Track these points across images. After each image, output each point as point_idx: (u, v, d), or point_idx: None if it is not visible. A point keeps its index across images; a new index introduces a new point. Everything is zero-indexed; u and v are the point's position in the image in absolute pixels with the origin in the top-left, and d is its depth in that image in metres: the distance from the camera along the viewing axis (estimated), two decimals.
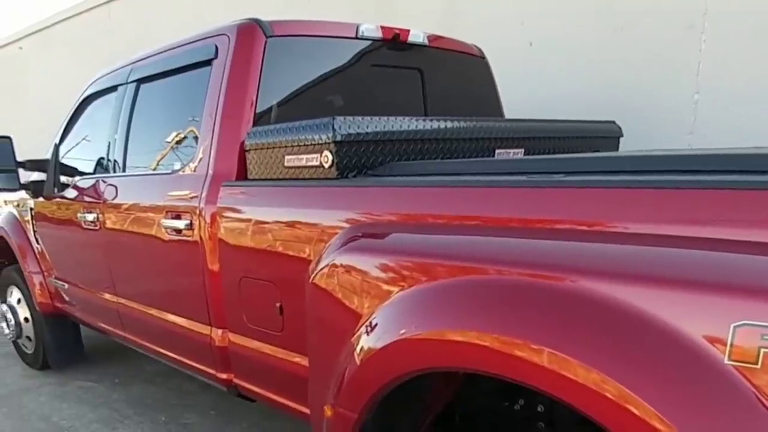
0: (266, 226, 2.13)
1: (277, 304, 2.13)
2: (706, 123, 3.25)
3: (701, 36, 3.24)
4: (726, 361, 1.01)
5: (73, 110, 3.69)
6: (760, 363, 0.97)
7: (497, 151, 2.40)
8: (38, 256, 4.03)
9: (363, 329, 1.60)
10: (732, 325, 0.99)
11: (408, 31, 2.84)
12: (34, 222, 3.97)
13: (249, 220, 2.21)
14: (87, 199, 3.26)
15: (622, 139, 3.07)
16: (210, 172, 2.40)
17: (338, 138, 1.94)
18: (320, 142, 1.99)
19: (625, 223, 1.27)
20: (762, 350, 0.97)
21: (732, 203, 1.15)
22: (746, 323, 0.98)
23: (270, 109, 2.44)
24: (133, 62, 3.11)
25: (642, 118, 3.38)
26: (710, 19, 3.20)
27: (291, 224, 2.03)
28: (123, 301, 3.12)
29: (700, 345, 1.03)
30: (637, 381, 1.08)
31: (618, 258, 1.22)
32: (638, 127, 3.26)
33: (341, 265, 1.69)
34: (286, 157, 2.14)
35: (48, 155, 3.55)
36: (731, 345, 1.00)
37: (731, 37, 3.14)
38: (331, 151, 1.97)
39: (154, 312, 2.87)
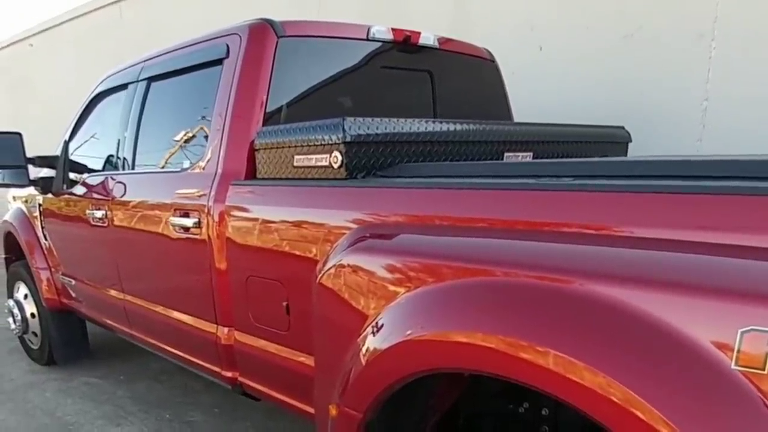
0: (274, 225, 2.13)
1: (284, 303, 2.14)
2: (714, 130, 3.24)
3: (711, 43, 3.24)
4: (733, 367, 1.01)
5: (84, 107, 3.71)
6: (767, 369, 0.97)
7: (506, 154, 2.41)
8: (46, 252, 4.05)
9: (369, 329, 1.60)
10: (739, 331, 1.00)
11: (419, 33, 2.85)
12: (42, 218, 3.99)
13: (257, 219, 2.22)
14: (95, 196, 3.27)
15: (630, 145, 3.07)
16: (219, 170, 2.41)
17: (348, 138, 1.95)
18: (330, 142, 2.00)
19: (633, 228, 1.27)
20: None
21: (739, 209, 1.16)
22: (753, 329, 0.98)
23: (280, 108, 2.45)
24: (144, 60, 3.13)
25: (651, 124, 3.38)
26: (720, 27, 3.19)
27: (299, 224, 2.04)
28: (130, 298, 3.13)
29: (708, 350, 1.03)
30: (644, 385, 1.08)
31: (626, 262, 1.22)
32: (647, 133, 3.26)
33: (348, 266, 1.70)
34: (296, 157, 2.15)
35: (57, 152, 3.56)
36: (738, 350, 1.00)
37: (741, 45, 3.13)
38: (340, 152, 1.98)
39: (160, 309, 2.88)
